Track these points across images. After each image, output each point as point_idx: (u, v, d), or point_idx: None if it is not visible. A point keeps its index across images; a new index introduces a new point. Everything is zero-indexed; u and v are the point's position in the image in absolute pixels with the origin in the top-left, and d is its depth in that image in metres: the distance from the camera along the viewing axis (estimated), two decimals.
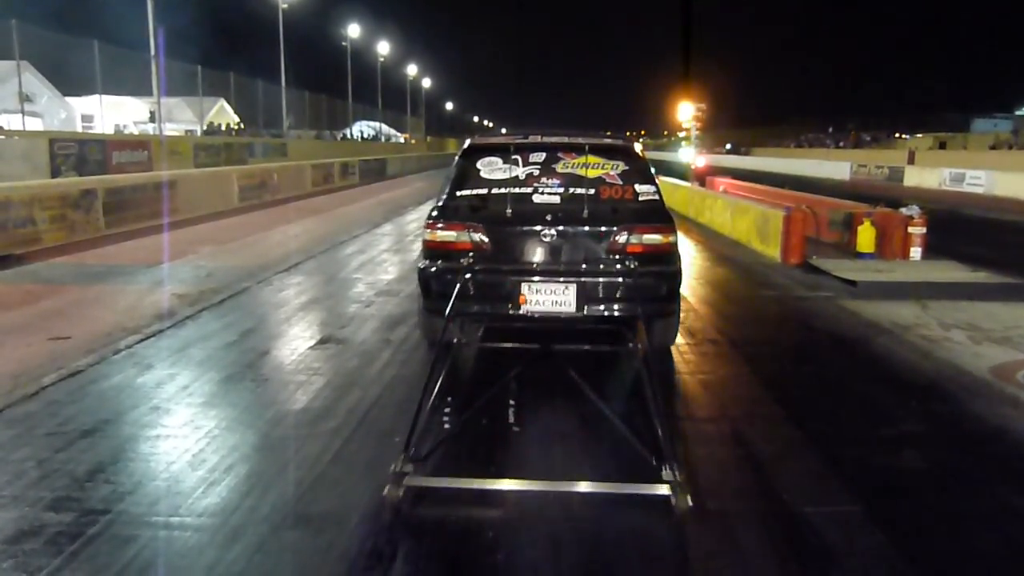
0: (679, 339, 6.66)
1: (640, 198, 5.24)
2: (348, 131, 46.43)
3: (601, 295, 5.04)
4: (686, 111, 21.59)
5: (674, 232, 5.24)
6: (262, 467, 4.06)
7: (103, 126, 23.83)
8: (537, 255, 5.09)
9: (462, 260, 5.05)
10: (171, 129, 28.84)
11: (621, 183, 5.25)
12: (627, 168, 5.30)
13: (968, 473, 4.17)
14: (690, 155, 22.29)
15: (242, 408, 4.99)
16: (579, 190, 5.17)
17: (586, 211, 5.08)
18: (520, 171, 5.26)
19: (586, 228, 5.07)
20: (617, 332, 5.60)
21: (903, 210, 11.19)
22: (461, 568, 3.12)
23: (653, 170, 5.59)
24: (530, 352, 5.64)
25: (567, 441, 4.40)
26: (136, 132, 29.94)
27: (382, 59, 51.28)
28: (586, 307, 5.01)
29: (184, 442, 4.31)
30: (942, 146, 50.33)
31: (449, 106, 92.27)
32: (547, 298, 4.99)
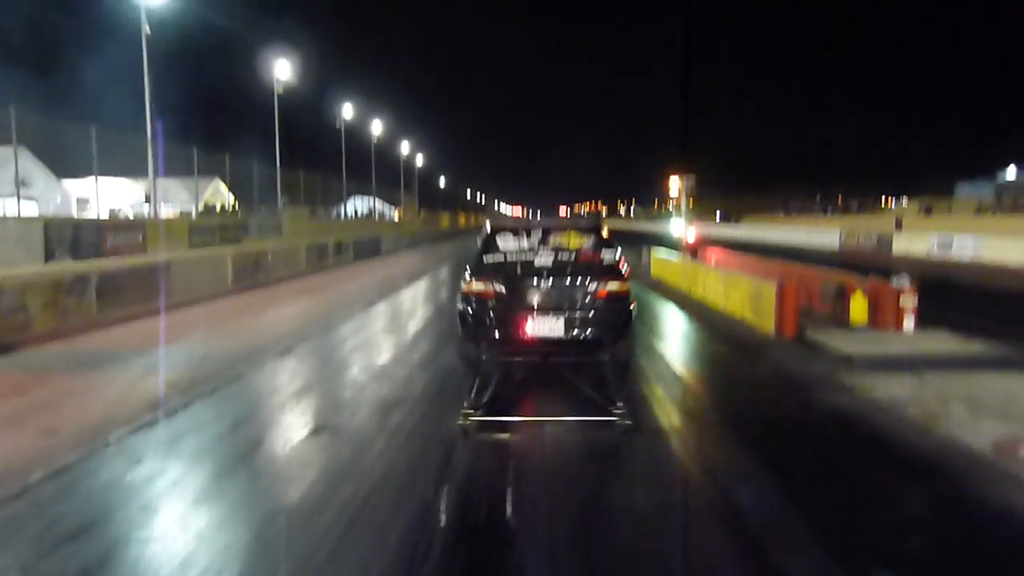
0: (678, 421, 6.67)
1: (604, 261, 7.36)
2: (342, 208, 46.96)
3: (580, 324, 7.08)
4: (676, 185, 21.97)
5: (627, 282, 7.37)
6: (254, 569, 3.95)
7: (98, 208, 24.05)
8: (537, 298, 7.15)
9: (488, 303, 7.15)
10: (166, 209, 29.15)
11: (592, 251, 7.38)
12: (596, 241, 7.45)
13: (977, 560, 4.08)
14: (681, 228, 22.53)
15: (234, 504, 4.89)
16: (564, 256, 7.34)
17: (569, 269, 7.26)
18: (525, 243, 7.43)
19: (569, 280, 7.21)
20: (592, 349, 7.33)
21: (894, 281, 11.28)
22: (500, 455, 5.69)
23: (617, 245, 7.58)
24: (534, 363, 7.99)
25: (557, 403, 7.17)
26: (131, 213, 30.17)
27: (376, 138, 52.19)
28: (570, 332, 7.08)
29: (174, 544, 4.21)
30: (928, 211, 51.15)
31: (442, 181, 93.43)
32: (544, 326, 7.06)
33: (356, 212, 49.64)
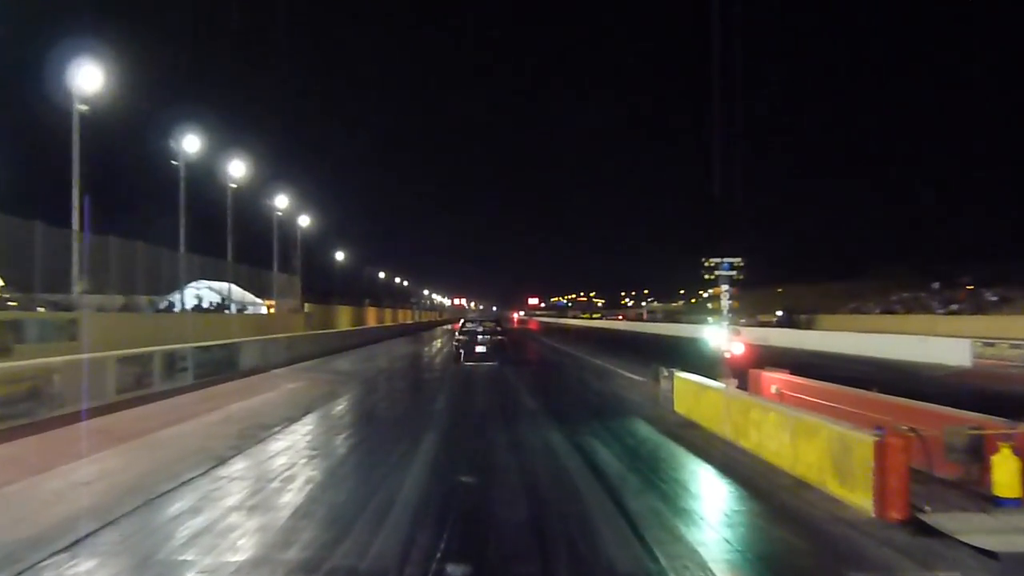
0: None
1: (497, 329, 56.03)
2: (179, 297, 46.71)
3: (490, 348, 51.66)
4: (714, 269, 22.33)
5: (505, 334, 55.66)
6: None
7: None
8: (479, 340, 52.88)
9: (463, 342, 52.72)
10: None
11: (495, 326, 57.46)
12: (497, 323, 60.42)
13: None
14: (722, 338, 22.66)
15: None
16: (487, 327, 56.01)
17: (488, 332, 54.76)
18: (476, 324, 58.56)
19: (489, 336, 53.31)
20: (494, 355, 49.58)
21: None
22: (468, 375, 40.61)
23: (501, 326, 58.67)
24: (475, 365, 48.14)
25: (483, 360, 47.12)
26: None
27: (234, 186, 52.16)
28: (488, 350, 51.68)
29: None
30: None
31: (340, 256, 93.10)
32: (482, 347, 51.80)
33: (202, 304, 49.45)
